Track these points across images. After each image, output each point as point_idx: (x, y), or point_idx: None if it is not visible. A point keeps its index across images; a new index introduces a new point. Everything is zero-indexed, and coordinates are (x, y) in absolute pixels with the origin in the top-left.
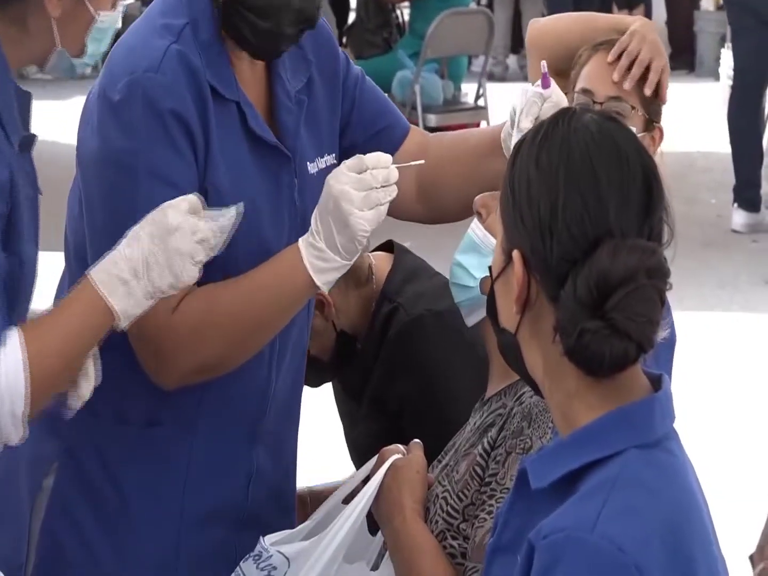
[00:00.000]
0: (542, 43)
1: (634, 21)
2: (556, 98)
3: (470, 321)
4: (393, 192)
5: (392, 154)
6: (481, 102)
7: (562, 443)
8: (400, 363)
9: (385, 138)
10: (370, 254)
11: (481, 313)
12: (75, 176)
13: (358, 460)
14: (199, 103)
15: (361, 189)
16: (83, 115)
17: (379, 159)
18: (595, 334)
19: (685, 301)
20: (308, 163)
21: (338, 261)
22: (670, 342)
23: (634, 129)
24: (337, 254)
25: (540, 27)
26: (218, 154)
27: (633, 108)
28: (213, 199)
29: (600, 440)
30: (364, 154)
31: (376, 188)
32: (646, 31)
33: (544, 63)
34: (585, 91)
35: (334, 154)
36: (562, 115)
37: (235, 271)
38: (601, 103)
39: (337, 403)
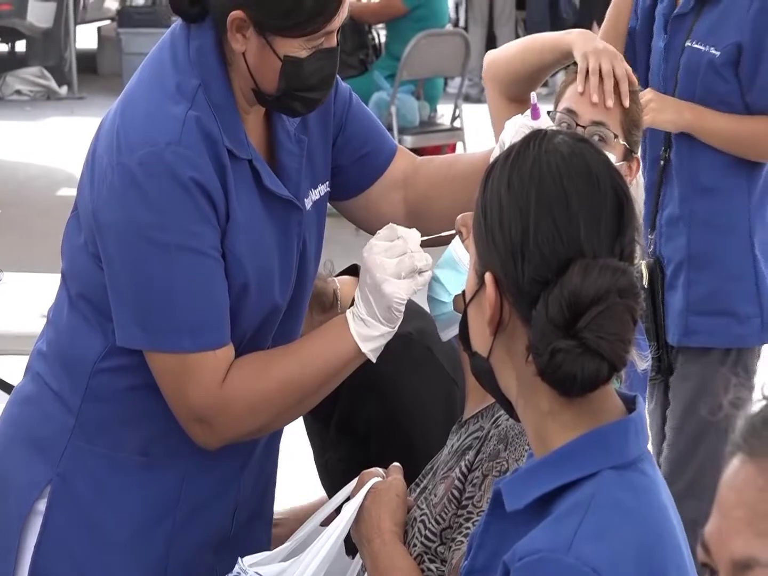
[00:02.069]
0: (494, 73)
1: (571, 35)
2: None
3: (445, 336)
4: (429, 259)
5: (377, 178)
6: (457, 123)
7: (537, 464)
8: (366, 387)
9: (371, 161)
10: (335, 278)
11: (457, 329)
12: (75, 209)
13: (330, 484)
14: (220, 172)
15: (393, 255)
16: (92, 174)
17: (410, 232)
18: (567, 354)
19: None
20: (305, 199)
21: (381, 328)
22: (645, 374)
23: (613, 157)
24: (379, 322)
25: (491, 58)
26: (238, 221)
27: (615, 136)
28: (232, 266)
29: (575, 461)
30: (350, 176)
31: (410, 253)
32: (590, 44)
33: (533, 94)
34: (569, 112)
35: (327, 182)
36: (534, 137)
37: (242, 323)
38: (584, 127)
39: (306, 428)
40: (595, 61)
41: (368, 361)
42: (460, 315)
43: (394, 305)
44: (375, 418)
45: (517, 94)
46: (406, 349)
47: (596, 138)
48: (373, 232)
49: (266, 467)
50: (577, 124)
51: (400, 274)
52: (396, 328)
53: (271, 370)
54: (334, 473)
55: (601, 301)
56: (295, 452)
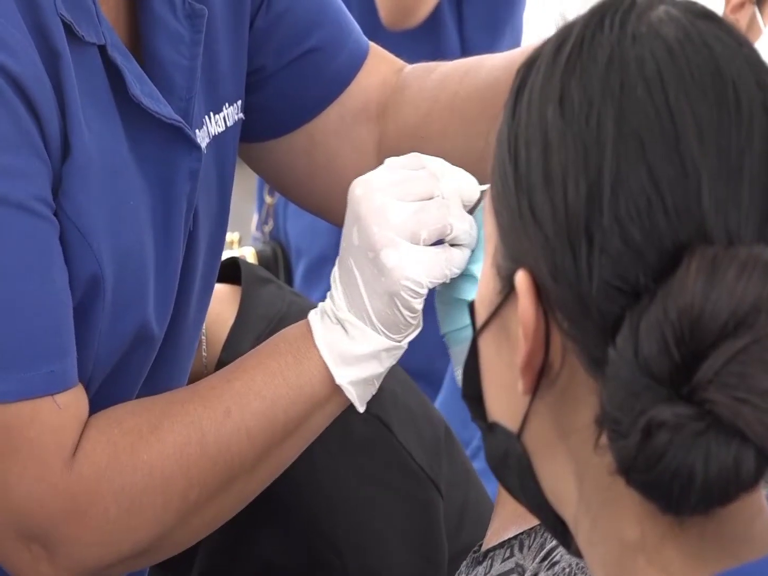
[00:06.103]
0: None
1: None
2: None
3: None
4: (473, 224)
5: (332, 99)
6: None
7: None
8: (261, 501)
9: (321, 67)
10: None
11: None
12: None
13: None
14: (49, 62)
15: (408, 196)
16: None
17: (450, 169)
18: (676, 431)
19: None
20: (197, 131)
21: (376, 341)
22: None
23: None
24: (372, 327)
25: None
26: (85, 157)
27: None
28: (73, 242)
29: None
30: (279, 93)
31: (441, 200)
32: None
33: None
34: None
35: (239, 102)
36: (610, 7)
37: (88, 353)
38: None
39: None
40: None
41: None
42: None
43: (402, 293)
44: (280, 560)
45: None
46: (339, 427)
47: None
48: (310, 204)
49: None
50: None
51: (419, 234)
52: (405, 345)
53: (165, 430)
54: None
55: (744, 328)
56: None
